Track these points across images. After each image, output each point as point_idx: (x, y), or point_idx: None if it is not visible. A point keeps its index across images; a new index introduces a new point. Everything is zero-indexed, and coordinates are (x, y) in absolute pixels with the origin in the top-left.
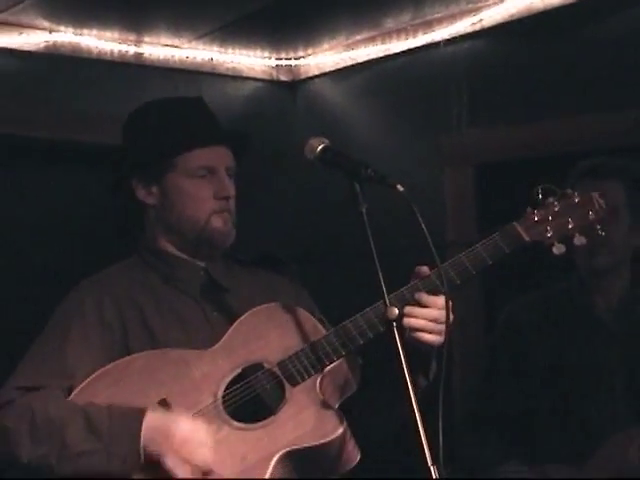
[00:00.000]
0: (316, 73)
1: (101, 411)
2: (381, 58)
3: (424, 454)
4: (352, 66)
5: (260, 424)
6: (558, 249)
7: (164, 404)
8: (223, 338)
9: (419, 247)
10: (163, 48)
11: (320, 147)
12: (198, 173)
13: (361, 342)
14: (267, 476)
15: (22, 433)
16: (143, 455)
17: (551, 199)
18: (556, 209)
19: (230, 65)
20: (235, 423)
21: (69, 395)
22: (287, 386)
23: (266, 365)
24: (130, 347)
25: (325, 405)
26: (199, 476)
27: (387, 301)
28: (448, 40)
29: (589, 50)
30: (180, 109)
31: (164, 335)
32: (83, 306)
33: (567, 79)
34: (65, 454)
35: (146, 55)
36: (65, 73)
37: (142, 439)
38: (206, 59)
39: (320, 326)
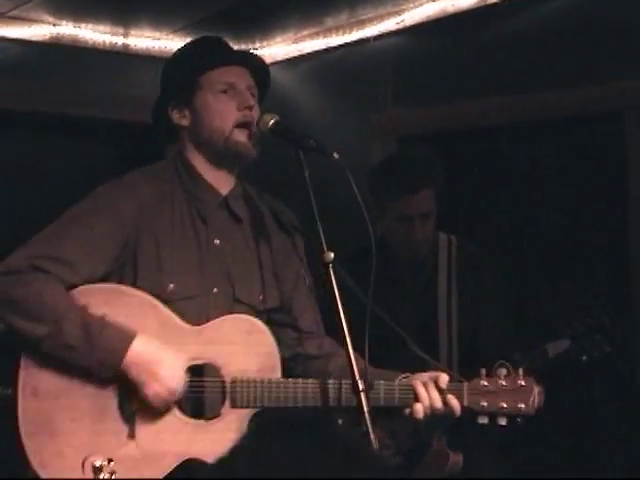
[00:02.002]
0: (270, 62)
1: (97, 319)
2: (323, 50)
3: (356, 383)
4: (299, 56)
5: (191, 422)
6: (482, 420)
7: None
8: (204, 325)
9: (352, 206)
10: (146, 39)
11: (272, 121)
12: (220, 88)
13: (299, 405)
14: (167, 469)
15: (28, 309)
16: (118, 370)
17: (503, 372)
18: (500, 388)
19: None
20: (175, 410)
21: (70, 289)
22: (227, 403)
23: (223, 373)
24: (138, 255)
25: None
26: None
27: (324, 247)
28: (377, 36)
29: (490, 46)
30: (202, 42)
31: (169, 255)
32: (101, 201)
33: (472, 67)
34: (56, 341)
35: (132, 46)
36: (66, 60)
37: (125, 358)
38: None
39: (279, 369)
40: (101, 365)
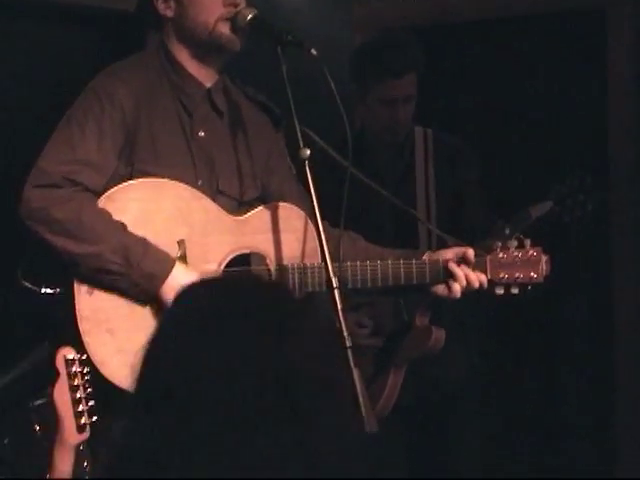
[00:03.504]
0: None
1: (138, 244)
2: None
3: (330, 280)
4: None
5: None
6: (499, 290)
7: (181, 245)
8: (247, 215)
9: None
10: None
11: (250, 15)
12: None
13: (368, 285)
14: None
15: (67, 229)
16: (156, 295)
17: (514, 244)
18: (515, 259)
19: None
20: None
21: (99, 193)
22: None
23: (268, 261)
24: (135, 146)
25: None
26: None
27: (301, 143)
28: None
29: None
30: None
31: (162, 147)
32: (98, 94)
33: None
34: (95, 264)
35: None
36: None
37: (163, 285)
38: None
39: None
40: (139, 290)
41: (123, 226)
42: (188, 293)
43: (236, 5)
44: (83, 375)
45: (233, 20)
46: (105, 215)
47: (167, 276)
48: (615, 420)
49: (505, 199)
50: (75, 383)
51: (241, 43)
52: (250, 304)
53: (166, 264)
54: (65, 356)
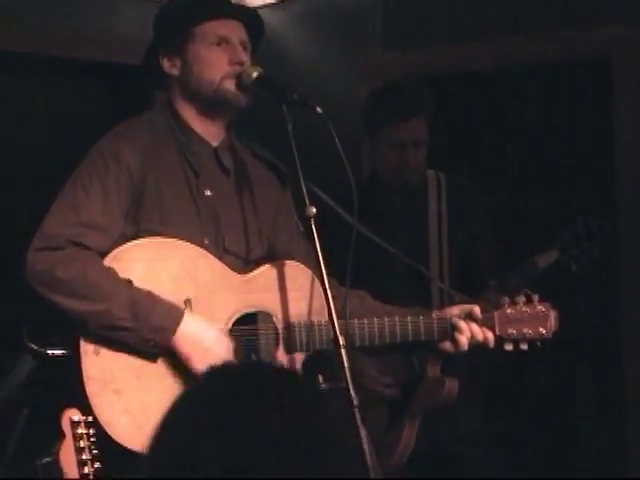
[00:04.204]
0: (259, 4)
1: (145, 298)
2: None
3: (337, 338)
4: None
5: None
6: (507, 346)
7: (187, 304)
8: (253, 273)
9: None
10: None
11: (255, 74)
12: (213, 41)
13: (376, 343)
14: None
15: (73, 288)
16: (168, 347)
17: (522, 299)
18: (523, 315)
19: None
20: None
21: (105, 254)
22: (281, 349)
23: (275, 320)
24: (141, 206)
25: None
26: None
27: (307, 201)
28: None
29: None
30: None
31: (168, 206)
32: (103, 156)
33: (459, 11)
34: (104, 322)
35: None
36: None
37: (175, 336)
38: None
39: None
40: (149, 345)
41: (129, 282)
42: (209, 376)
43: (241, 63)
44: (89, 437)
45: (239, 78)
46: (111, 272)
47: (177, 327)
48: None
49: (511, 245)
50: (81, 445)
51: (247, 100)
52: (266, 392)
53: (175, 315)
54: (71, 418)
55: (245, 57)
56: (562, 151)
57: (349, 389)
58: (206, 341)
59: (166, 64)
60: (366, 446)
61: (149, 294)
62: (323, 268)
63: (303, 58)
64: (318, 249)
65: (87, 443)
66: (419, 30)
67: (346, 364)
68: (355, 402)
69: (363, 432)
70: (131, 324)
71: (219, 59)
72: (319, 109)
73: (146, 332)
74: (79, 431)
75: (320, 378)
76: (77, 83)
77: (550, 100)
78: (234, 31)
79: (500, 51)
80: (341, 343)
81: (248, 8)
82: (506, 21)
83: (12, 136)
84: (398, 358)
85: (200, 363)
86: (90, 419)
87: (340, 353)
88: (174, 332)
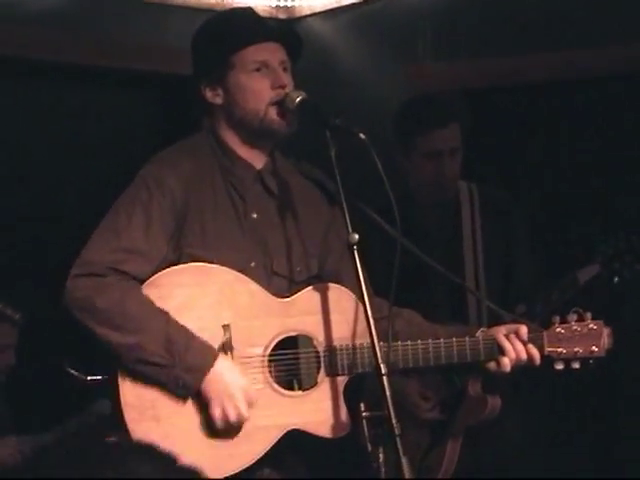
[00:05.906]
0: (308, 13)
1: (181, 335)
2: (362, 2)
3: (379, 366)
4: (337, 8)
5: (288, 394)
6: (558, 365)
7: (226, 330)
8: (293, 297)
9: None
10: None
11: (298, 99)
12: (253, 67)
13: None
14: (273, 441)
15: (110, 317)
16: (197, 389)
17: (574, 318)
18: (574, 333)
19: (238, 5)
20: (271, 383)
21: (145, 278)
22: (322, 372)
23: (315, 343)
24: (183, 231)
25: (342, 405)
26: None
27: (349, 228)
28: None
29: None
30: (232, 18)
31: (212, 231)
32: (146, 182)
33: (513, 20)
34: (137, 355)
35: None
36: (104, 10)
37: (206, 377)
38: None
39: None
40: (179, 385)
41: (167, 316)
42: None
43: (284, 86)
44: None
45: (281, 103)
46: (148, 304)
47: (210, 369)
48: None
49: (551, 258)
50: None
51: (292, 127)
52: None
53: (209, 357)
54: None
55: (287, 79)
56: (606, 165)
57: (391, 418)
58: (232, 388)
59: (208, 94)
60: (407, 475)
61: (185, 331)
62: (366, 295)
63: (352, 66)
64: (361, 275)
65: None
66: (468, 41)
67: (387, 392)
68: (397, 431)
69: (404, 460)
70: (164, 360)
71: (261, 85)
72: (362, 135)
73: (178, 370)
74: None
75: (362, 406)
76: (127, 94)
77: (597, 113)
78: (272, 53)
79: (549, 63)
80: (383, 372)
81: (281, 26)
82: (555, 34)
83: (61, 147)
84: (438, 377)
85: (218, 409)
86: None
87: (382, 382)
88: (206, 374)
